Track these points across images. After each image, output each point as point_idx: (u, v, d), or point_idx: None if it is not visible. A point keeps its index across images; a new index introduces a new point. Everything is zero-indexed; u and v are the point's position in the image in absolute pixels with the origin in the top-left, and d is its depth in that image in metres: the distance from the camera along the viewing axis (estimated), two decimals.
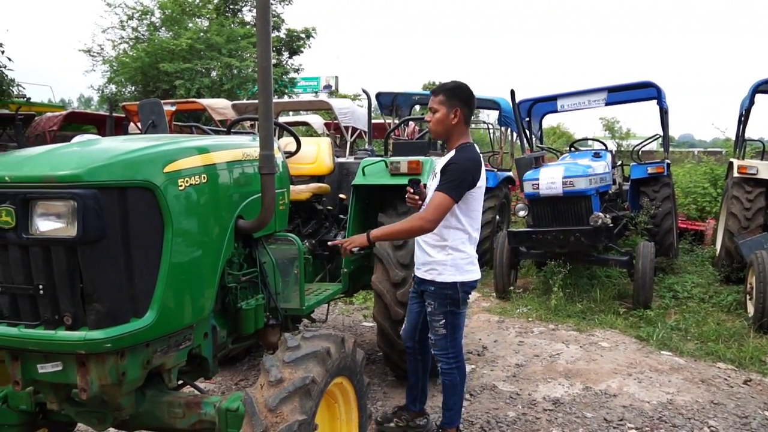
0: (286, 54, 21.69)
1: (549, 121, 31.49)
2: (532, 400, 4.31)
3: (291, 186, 3.65)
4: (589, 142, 10.28)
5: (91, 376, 2.15)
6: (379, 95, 9.94)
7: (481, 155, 3.20)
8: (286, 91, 20.20)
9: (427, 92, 17.33)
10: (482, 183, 3.18)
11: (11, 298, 2.17)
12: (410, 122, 11.14)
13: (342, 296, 4.44)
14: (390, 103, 10.01)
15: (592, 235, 6.34)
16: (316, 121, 13.89)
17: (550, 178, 6.49)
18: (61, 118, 11.06)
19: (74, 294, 2.10)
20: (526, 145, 8.35)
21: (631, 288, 6.72)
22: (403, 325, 3.61)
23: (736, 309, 6.45)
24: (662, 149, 8.54)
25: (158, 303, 2.25)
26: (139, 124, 8.22)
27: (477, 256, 3.32)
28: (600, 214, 6.39)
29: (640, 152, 9.22)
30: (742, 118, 8.49)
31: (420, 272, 3.31)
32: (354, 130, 10.73)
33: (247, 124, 8.18)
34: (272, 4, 20.24)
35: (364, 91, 6.00)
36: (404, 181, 3.54)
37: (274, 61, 19.85)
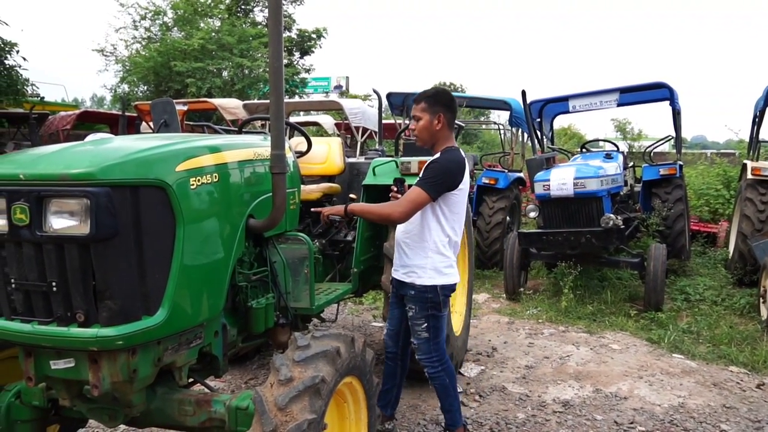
0: (297, 54, 21.77)
1: (560, 122, 31.35)
2: (542, 402, 4.29)
3: (302, 186, 3.66)
4: (601, 143, 10.22)
5: (102, 372, 2.17)
6: (389, 95, 9.93)
7: (466, 159, 3.18)
8: (297, 91, 20.26)
9: None
10: (465, 186, 3.16)
11: (25, 295, 2.19)
12: None
13: (352, 296, 4.44)
14: (401, 103, 10.00)
15: (603, 236, 6.30)
16: (327, 121, 13.91)
17: (561, 179, 6.46)
18: (74, 117, 11.16)
19: (87, 291, 2.11)
20: (537, 146, 8.32)
21: (643, 290, 6.68)
22: (385, 330, 3.61)
23: (749, 312, 6.39)
24: (674, 151, 8.48)
25: (170, 301, 2.26)
26: (151, 124, 8.26)
27: (455, 259, 3.32)
28: (611, 215, 6.35)
29: (652, 153, 9.15)
30: (757, 120, 8.42)
31: (398, 274, 3.29)
32: (364, 130, 10.74)
33: (258, 123, 8.20)
34: (284, 4, 20.31)
35: (375, 92, 6.00)
36: (414, 181, 3.54)
37: (285, 61, 19.93)
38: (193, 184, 2.39)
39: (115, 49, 19.45)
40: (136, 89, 18.74)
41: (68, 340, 2.13)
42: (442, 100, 3.17)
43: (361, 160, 5.20)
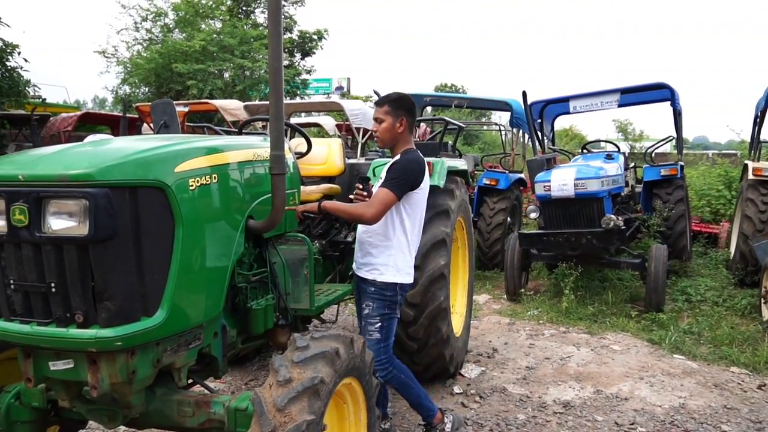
0: (298, 55, 21.77)
1: (562, 122, 31.32)
2: (542, 403, 4.29)
3: (302, 187, 3.66)
4: (602, 144, 10.21)
5: (101, 373, 2.17)
6: None
7: (425, 160, 3.30)
8: (298, 92, 20.26)
9: (440, 94, 17.35)
10: (425, 186, 3.26)
11: (24, 296, 2.19)
12: (422, 123, 11.14)
13: (352, 297, 4.43)
14: None
15: (604, 237, 6.30)
16: (328, 122, 13.89)
17: (561, 180, 6.46)
18: (75, 119, 11.15)
19: (86, 292, 2.11)
20: (538, 146, 8.32)
21: (644, 291, 6.67)
22: (360, 328, 3.60)
23: (750, 313, 6.38)
24: (676, 151, 8.47)
25: (168, 302, 2.26)
26: (152, 125, 8.28)
27: (413, 262, 3.36)
28: (612, 216, 6.35)
29: (653, 154, 9.14)
30: (758, 120, 8.41)
31: (361, 272, 3.31)
32: (365, 131, 10.70)
33: (259, 124, 8.21)
34: (284, 5, 20.34)
35: (376, 93, 6.01)
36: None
37: (286, 62, 20.03)
38: (192, 185, 2.39)
39: (116, 50, 19.47)
40: (137, 91, 18.74)
41: (67, 341, 2.13)
42: (404, 105, 3.29)
43: (362, 161, 5.20)
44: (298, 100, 18.44)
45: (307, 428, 2.10)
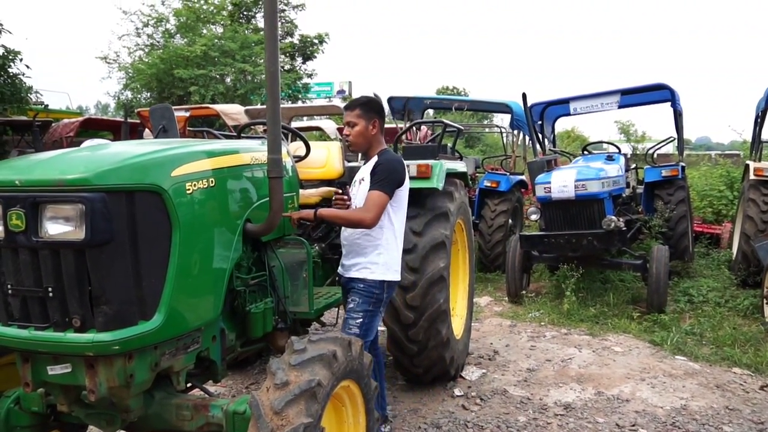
0: (299, 59, 21.79)
1: (563, 124, 31.30)
2: (544, 405, 4.27)
3: (300, 190, 3.67)
4: (603, 146, 10.20)
5: (99, 378, 2.18)
6: (390, 99, 9.95)
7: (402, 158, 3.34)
8: (300, 96, 20.28)
9: (441, 96, 17.34)
10: (407, 183, 3.29)
11: (21, 301, 2.20)
12: (422, 126, 11.14)
13: None
14: (402, 107, 10.01)
15: (605, 238, 6.29)
16: (329, 126, 13.88)
17: (562, 182, 6.46)
18: (77, 125, 11.20)
19: (83, 296, 2.12)
20: (539, 148, 8.31)
21: (645, 292, 6.65)
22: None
23: (752, 313, 6.36)
24: (677, 152, 8.46)
25: (166, 306, 2.26)
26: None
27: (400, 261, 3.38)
28: (613, 217, 6.34)
29: (654, 155, 9.13)
30: (759, 120, 8.38)
31: (350, 273, 3.29)
32: None
33: (260, 128, 8.22)
34: (286, 10, 20.38)
35: (376, 96, 6.01)
36: (415, 185, 3.58)
37: (287, 66, 20.06)
38: (189, 189, 2.40)
39: (118, 56, 19.54)
40: (139, 96, 18.81)
41: (65, 345, 2.14)
42: (375, 108, 3.32)
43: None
44: (299, 104, 18.45)
45: (304, 431, 2.10)
